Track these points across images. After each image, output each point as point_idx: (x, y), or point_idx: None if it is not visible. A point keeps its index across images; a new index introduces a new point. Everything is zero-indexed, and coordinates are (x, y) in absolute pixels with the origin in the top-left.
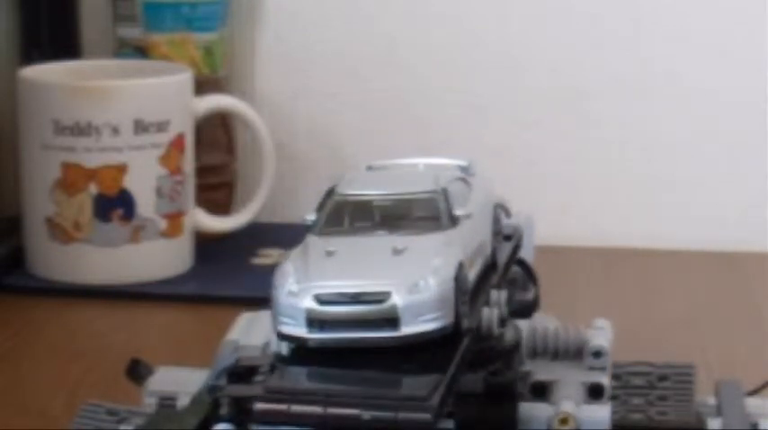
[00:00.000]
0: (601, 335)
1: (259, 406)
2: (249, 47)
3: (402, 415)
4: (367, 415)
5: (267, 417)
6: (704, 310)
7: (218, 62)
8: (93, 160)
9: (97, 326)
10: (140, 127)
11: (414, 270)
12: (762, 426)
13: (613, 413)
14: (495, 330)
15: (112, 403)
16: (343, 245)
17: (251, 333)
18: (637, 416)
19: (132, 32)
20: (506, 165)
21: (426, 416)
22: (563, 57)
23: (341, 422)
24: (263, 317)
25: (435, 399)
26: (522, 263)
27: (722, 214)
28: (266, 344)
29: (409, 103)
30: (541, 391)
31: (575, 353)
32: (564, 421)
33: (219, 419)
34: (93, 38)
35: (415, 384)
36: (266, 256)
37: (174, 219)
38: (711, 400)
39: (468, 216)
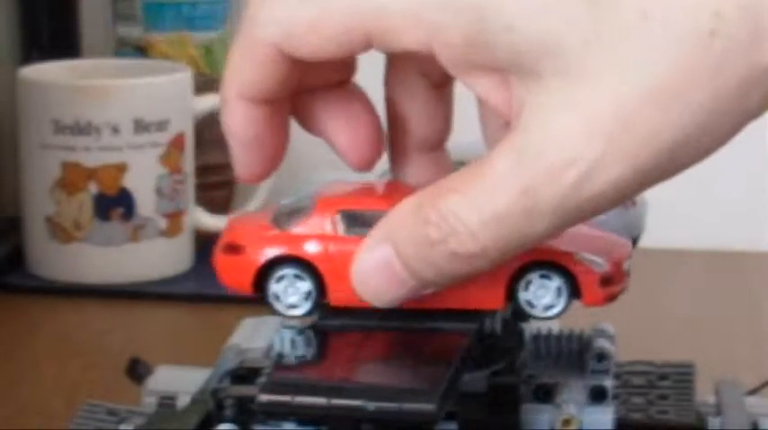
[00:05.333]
0: (604, 338)
1: (263, 397)
2: None
3: (406, 405)
4: (371, 406)
5: (271, 408)
6: (704, 310)
7: (218, 61)
8: (92, 159)
9: (97, 325)
10: (140, 126)
11: None
12: (762, 426)
13: (614, 412)
14: (499, 330)
15: (112, 403)
16: None
17: (253, 337)
18: (637, 416)
19: (132, 32)
20: None
21: (430, 406)
22: None
23: (345, 413)
24: (266, 321)
25: (439, 390)
26: None
27: (722, 214)
28: (269, 348)
29: None
30: (545, 394)
31: (578, 356)
32: (567, 422)
33: (222, 420)
34: (93, 37)
35: (418, 375)
36: None
37: (174, 218)
38: (711, 399)
39: None
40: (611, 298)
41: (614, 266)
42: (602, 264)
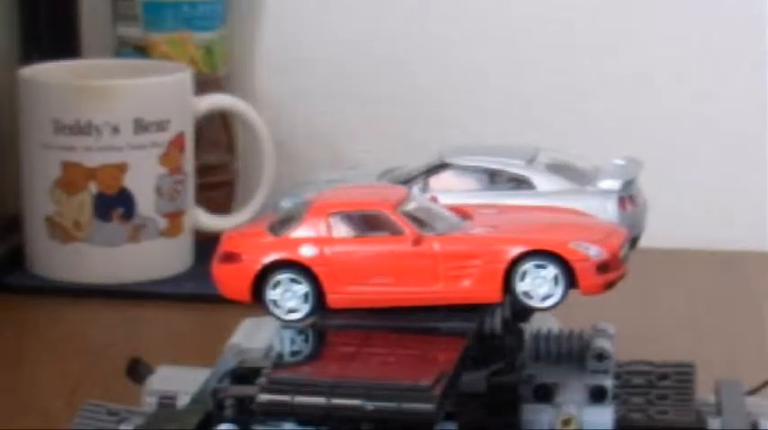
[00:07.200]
0: (604, 338)
1: (262, 397)
2: (249, 46)
3: (405, 405)
4: (370, 405)
5: (270, 409)
6: (704, 310)
7: (218, 61)
8: (93, 159)
9: (97, 325)
10: (140, 126)
11: None
12: (762, 426)
13: (614, 412)
14: (498, 330)
15: (112, 403)
16: None
17: (253, 337)
18: (637, 416)
19: (132, 32)
20: None
21: (429, 406)
22: (563, 57)
23: (344, 412)
24: (266, 321)
25: (438, 390)
26: None
27: (722, 214)
28: (269, 348)
29: (409, 103)
30: (545, 394)
31: (578, 356)
32: (567, 422)
33: (222, 419)
34: (93, 37)
35: (418, 375)
36: None
37: (174, 218)
38: (711, 399)
39: None
40: (609, 285)
41: (610, 253)
42: (597, 252)
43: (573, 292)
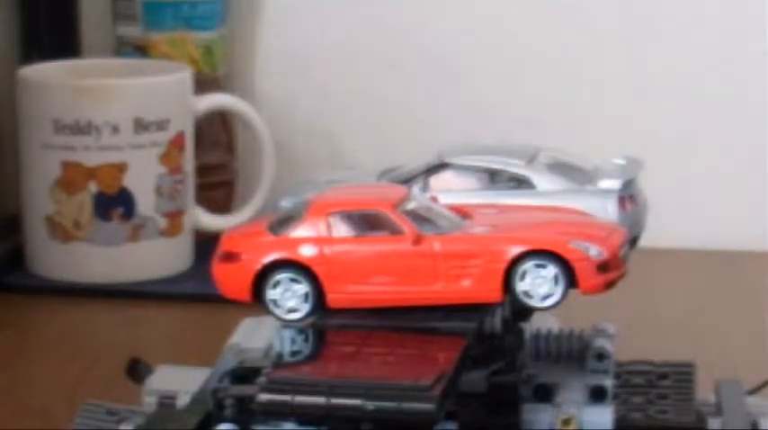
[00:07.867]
0: (604, 338)
1: (262, 397)
2: (249, 45)
3: (405, 405)
4: (370, 405)
5: (270, 409)
6: (704, 310)
7: (217, 61)
8: (92, 159)
9: (97, 325)
10: (140, 126)
11: None
12: (762, 426)
13: (613, 412)
14: (498, 330)
15: (112, 402)
16: None
17: (253, 337)
18: (637, 415)
19: (132, 31)
20: None
21: (429, 406)
22: (563, 57)
23: (344, 412)
24: (266, 321)
25: (438, 390)
26: None
27: (722, 214)
28: (269, 348)
29: (409, 103)
30: (545, 394)
31: (578, 356)
32: (566, 422)
33: (222, 420)
34: (93, 37)
35: (418, 375)
36: None
37: (174, 217)
38: (711, 399)
39: None
40: (609, 285)
41: (610, 253)
42: (597, 251)
43: (573, 292)
